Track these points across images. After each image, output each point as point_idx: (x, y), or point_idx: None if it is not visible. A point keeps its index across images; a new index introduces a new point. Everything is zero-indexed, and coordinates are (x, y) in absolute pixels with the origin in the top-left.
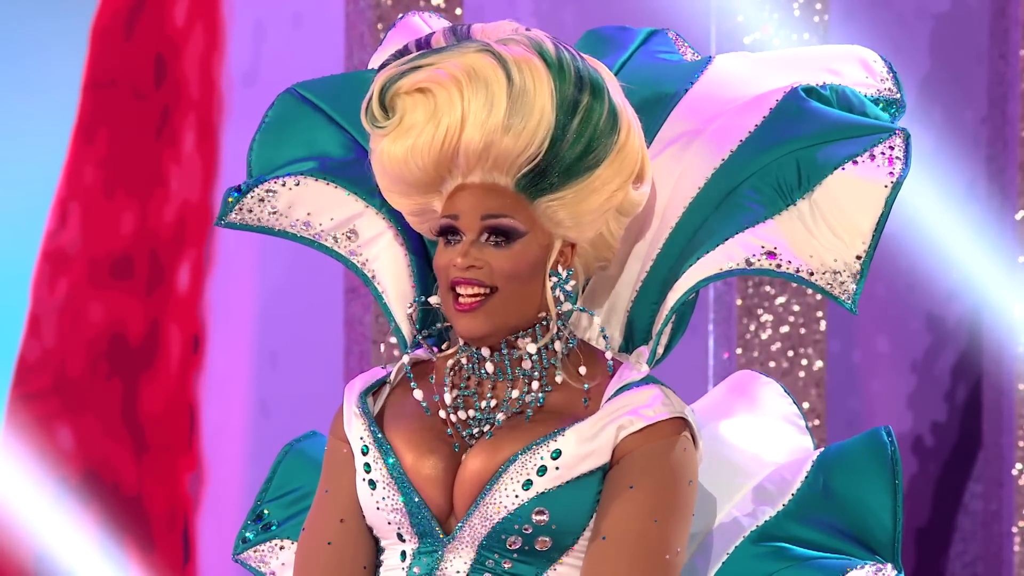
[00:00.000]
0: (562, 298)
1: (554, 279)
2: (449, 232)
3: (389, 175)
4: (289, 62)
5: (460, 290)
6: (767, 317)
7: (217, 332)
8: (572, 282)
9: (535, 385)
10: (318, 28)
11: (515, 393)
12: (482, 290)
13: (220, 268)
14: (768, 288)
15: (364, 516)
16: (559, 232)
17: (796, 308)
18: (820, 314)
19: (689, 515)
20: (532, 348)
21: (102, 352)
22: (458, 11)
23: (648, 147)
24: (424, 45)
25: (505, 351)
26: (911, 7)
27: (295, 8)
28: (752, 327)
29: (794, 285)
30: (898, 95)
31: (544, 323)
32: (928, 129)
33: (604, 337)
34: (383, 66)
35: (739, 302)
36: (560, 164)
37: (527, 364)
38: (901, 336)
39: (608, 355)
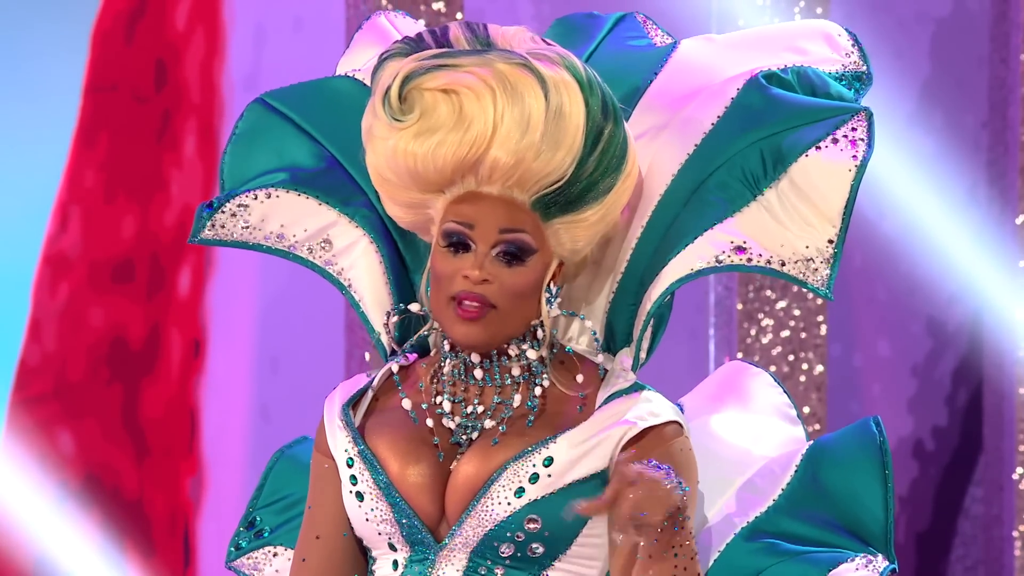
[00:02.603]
0: (552, 312)
1: (547, 295)
2: (458, 237)
3: (398, 168)
4: (290, 66)
5: (464, 303)
6: (768, 321)
7: (218, 337)
8: (559, 299)
9: (524, 392)
10: (319, 32)
11: (504, 400)
12: (484, 306)
13: (221, 272)
14: (769, 292)
15: (347, 530)
16: (558, 251)
17: (797, 312)
18: (821, 318)
19: (694, 515)
20: (532, 354)
21: (103, 356)
22: (459, 15)
23: None
24: (441, 38)
25: (496, 358)
26: (912, 11)
27: (296, 12)
28: (753, 331)
29: (795, 289)
30: (864, 67)
31: (532, 330)
32: (929, 133)
33: (596, 341)
34: (385, 57)
35: (740, 306)
36: (576, 188)
37: (516, 371)
38: (902, 340)
39: (600, 358)
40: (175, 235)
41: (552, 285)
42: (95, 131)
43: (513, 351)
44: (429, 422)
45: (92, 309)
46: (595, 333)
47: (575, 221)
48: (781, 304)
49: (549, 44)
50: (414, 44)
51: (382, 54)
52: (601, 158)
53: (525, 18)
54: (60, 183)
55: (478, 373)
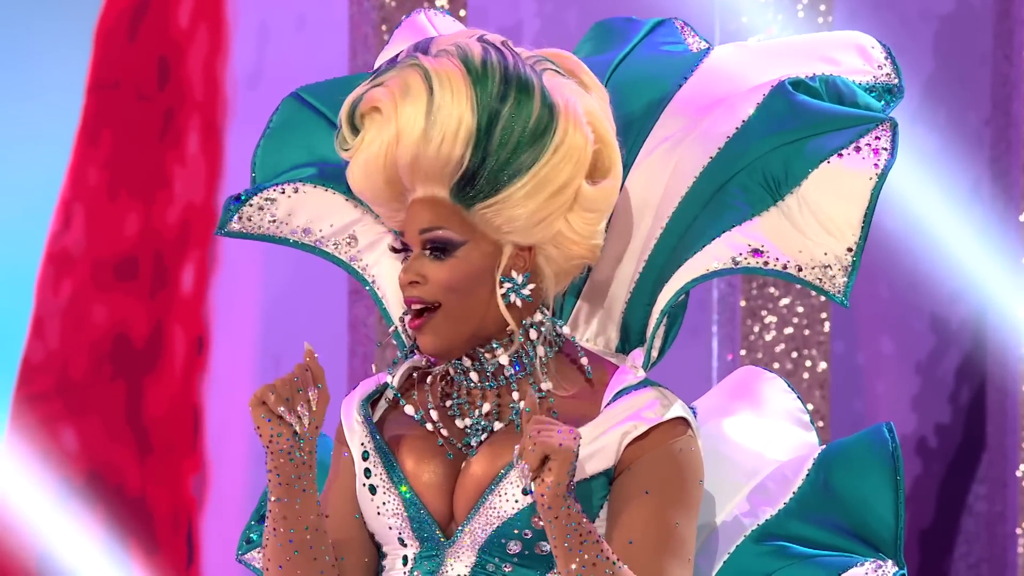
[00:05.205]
0: (519, 303)
1: (507, 285)
2: (403, 248)
3: (358, 193)
4: (293, 63)
5: (410, 308)
6: (771, 319)
7: (221, 334)
8: (531, 286)
9: (524, 391)
10: (322, 29)
11: (506, 400)
12: (424, 306)
13: (224, 270)
14: (772, 289)
15: (359, 512)
16: (505, 237)
17: (800, 309)
18: (824, 315)
19: (698, 513)
20: (504, 359)
21: (106, 354)
22: (462, 12)
23: (641, 146)
24: (393, 62)
25: (484, 360)
26: (915, 8)
27: (299, 9)
28: (756, 328)
29: (798, 286)
30: (896, 80)
31: (522, 330)
32: (932, 131)
33: (576, 346)
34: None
35: (743, 303)
36: (487, 169)
37: (509, 372)
38: (905, 337)
39: (584, 361)
40: (178, 232)
41: (516, 273)
42: (98, 129)
43: (496, 354)
44: (429, 427)
45: (95, 306)
46: (573, 338)
47: (498, 202)
48: (784, 301)
49: (481, 39)
50: (371, 74)
51: None
52: (504, 136)
53: (528, 16)
54: (63, 181)
55: (474, 376)
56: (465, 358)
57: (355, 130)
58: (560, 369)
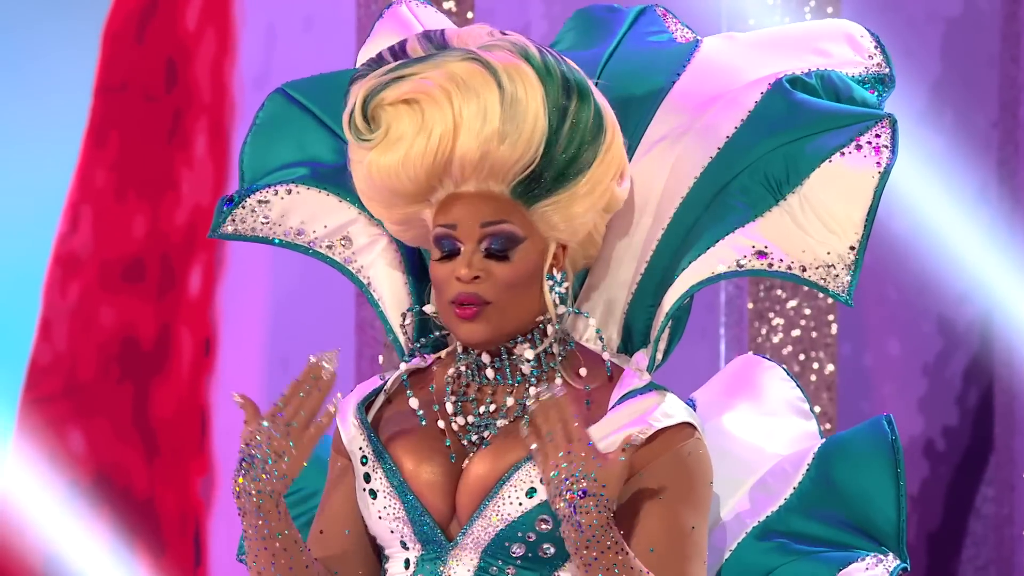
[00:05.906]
0: (557, 301)
1: (550, 282)
2: (446, 242)
3: (376, 186)
4: (300, 65)
5: (462, 304)
6: (778, 320)
7: (228, 335)
8: (566, 284)
9: (535, 389)
10: (329, 31)
11: (515, 399)
12: (479, 304)
13: (231, 271)
14: (779, 291)
15: (349, 528)
16: (553, 235)
17: (807, 311)
18: (831, 317)
19: (709, 514)
20: (530, 354)
21: (113, 355)
22: (469, 15)
23: (638, 144)
24: (399, 52)
25: (505, 357)
26: (922, 11)
27: (306, 11)
28: (763, 330)
29: (805, 288)
30: (887, 70)
31: (541, 327)
32: (939, 133)
33: (600, 339)
34: (357, 75)
35: (750, 305)
36: (553, 168)
37: (527, 369)
38: (912, 339)
39: (606, 356)
40: (186, 234)
41: (556, 271)
42: (106, 131)
43: (520, 349)
44: (440, 423)
45: (103, 308)
46: (599, 331)
47: (560, 201)
48: (792, 303)
49: (505, 35)
50: (375, 63)
51: (351, 78)
52: (571, 136)
53: (535, 16)
54: (71, 183)
55: (489, 373)
56: (485, 354)
57: (368, 121)
58: (584, 362)
